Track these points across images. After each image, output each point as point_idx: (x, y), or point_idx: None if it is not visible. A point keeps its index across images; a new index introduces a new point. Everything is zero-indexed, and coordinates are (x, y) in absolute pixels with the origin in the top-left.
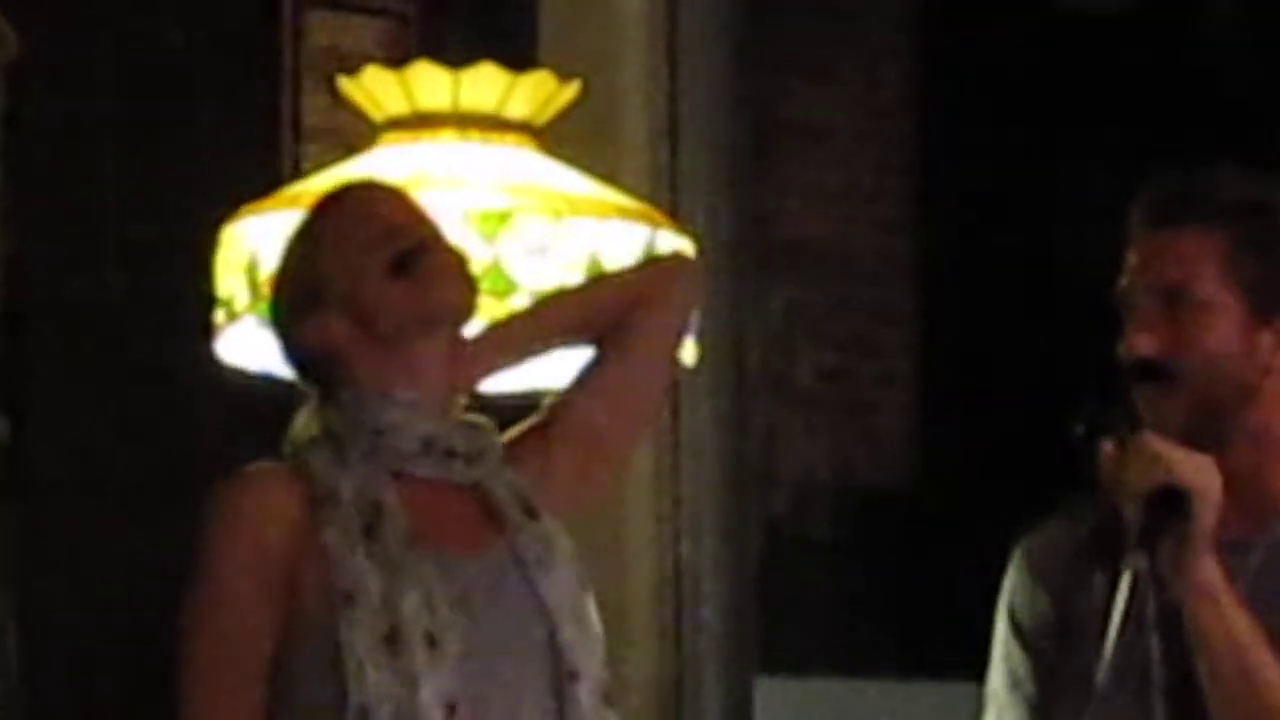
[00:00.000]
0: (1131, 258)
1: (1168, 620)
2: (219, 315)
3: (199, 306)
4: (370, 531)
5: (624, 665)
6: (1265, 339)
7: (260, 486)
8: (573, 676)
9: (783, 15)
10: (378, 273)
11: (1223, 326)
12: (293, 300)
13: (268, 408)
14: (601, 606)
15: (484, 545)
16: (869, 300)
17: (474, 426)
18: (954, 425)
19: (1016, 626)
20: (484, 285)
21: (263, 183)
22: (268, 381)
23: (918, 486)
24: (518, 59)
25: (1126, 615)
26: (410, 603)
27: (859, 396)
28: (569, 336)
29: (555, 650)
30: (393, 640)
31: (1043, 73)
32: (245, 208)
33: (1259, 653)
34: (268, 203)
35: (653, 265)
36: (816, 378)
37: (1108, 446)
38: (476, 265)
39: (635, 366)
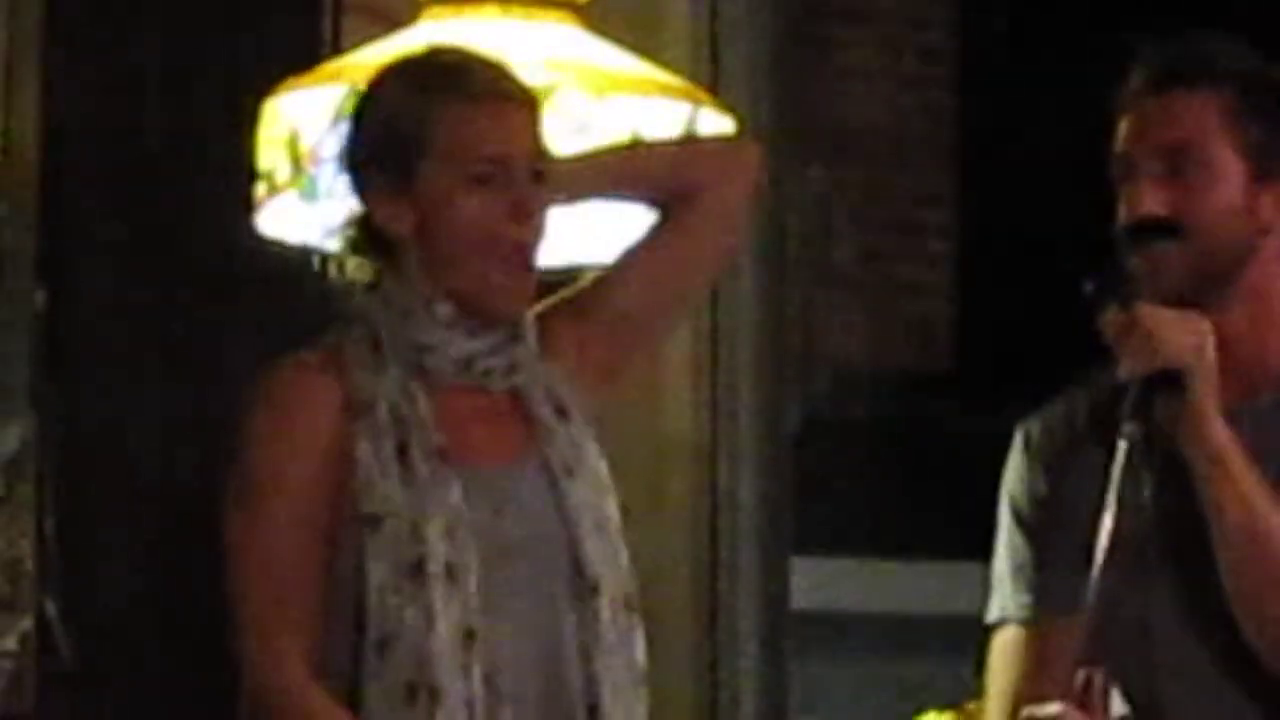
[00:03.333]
0: (1128, 123)
1: (1166, 489)
2: (260, 189)
3: (241, 179)
4: (402, 451)
5: (661, 545)
6: (1265, 201)
7: (303, 382)
8: (594, 591)
9: None
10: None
11: (1225, 186)
12: (378, 151)
13: (305, 280)
14: (638, 489)
15: (515, 453)
16: (910, 183)
17: (512, 333)
18: (993, 307)
19: (1015, 511)
20: None
21: (303, 57)
22: (307, 254)
23: (956, 368)
24: None
25: (1123, 487)
26: (434, 530)
27: (899, 278)
28: (638, 189)
29: (576, 564)
30: (416, 571)
31: None
32: (286, 81)
33: (1272, 517)
34: (308, 77)
35: (721, 144)
36: (856, 259)
37: (1113, 312)
38: None
39: (689, 248)
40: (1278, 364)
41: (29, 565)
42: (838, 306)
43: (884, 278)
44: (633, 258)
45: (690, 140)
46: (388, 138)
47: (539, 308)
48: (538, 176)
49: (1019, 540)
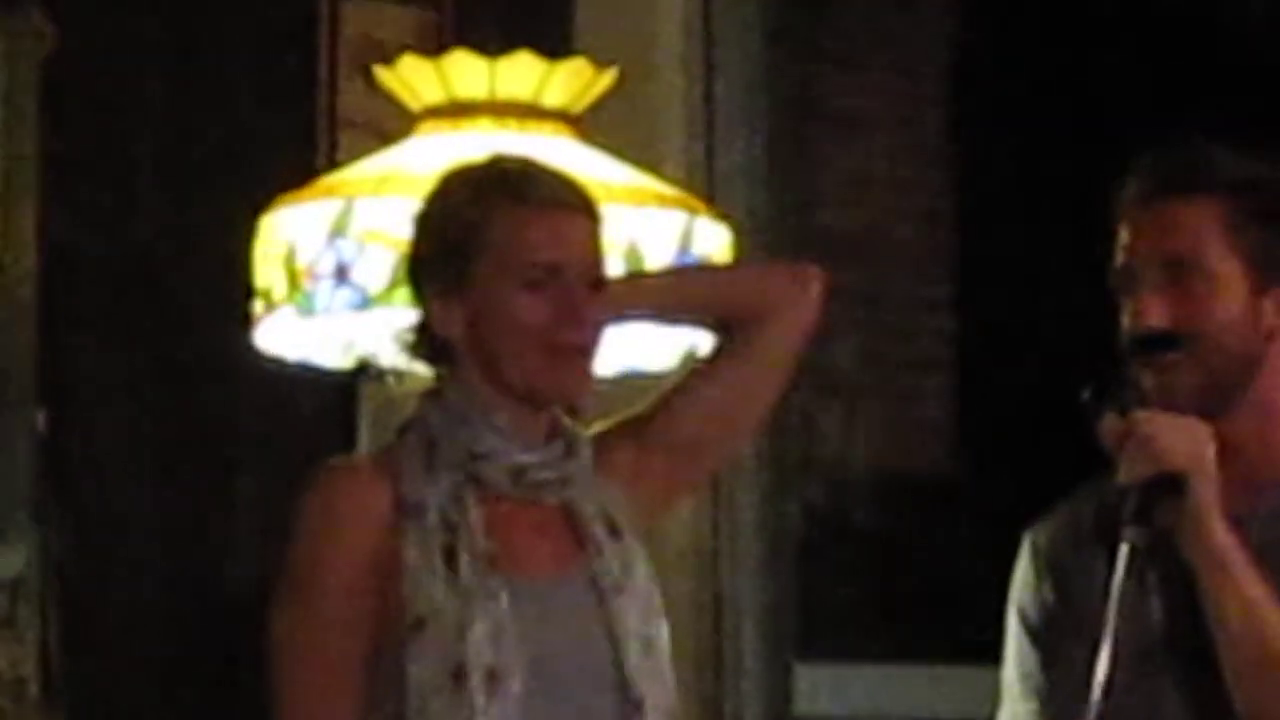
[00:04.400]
0: (1128, 233)
1: (1171, 593)
2: (257, 305)
3: (237, 296)
4: (450, 555)
5: None
6: (1268, 307)
7: (353, 485)
8: (638, 707)
9: (819, 2)
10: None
11: (1229, 296)
12: (434, 252)
13: (304, 396)
14: None
15: (563, 566)
16: (908, 287)
17: (567, 448)
18: (993, 413)
19: (1023, 619)
20: None
21: (299, 173)
22: (305, 370)
23: (956, 473)
24: (554, 47)
25: (1124, 592)
26: (477, 635)
27: (898, 384)
28: (692, 311)
29: (621, 681)
30: (459, 675)
31: (1083, 59)
32: (282, 198)
33: (1276, 622)
34: (304, 193)
35: (788, 269)
36: (855, 364)
37: (1111, 419)
38: None
39: (751, 374)
40: None
41: (33, 686)
42: (837, 412)
43: (883, 383)
44: (694, 384)
45: (751, 264)
46: (444, 240)
47: (598, 428)
48: (594, 285)
49: (1026, 648)
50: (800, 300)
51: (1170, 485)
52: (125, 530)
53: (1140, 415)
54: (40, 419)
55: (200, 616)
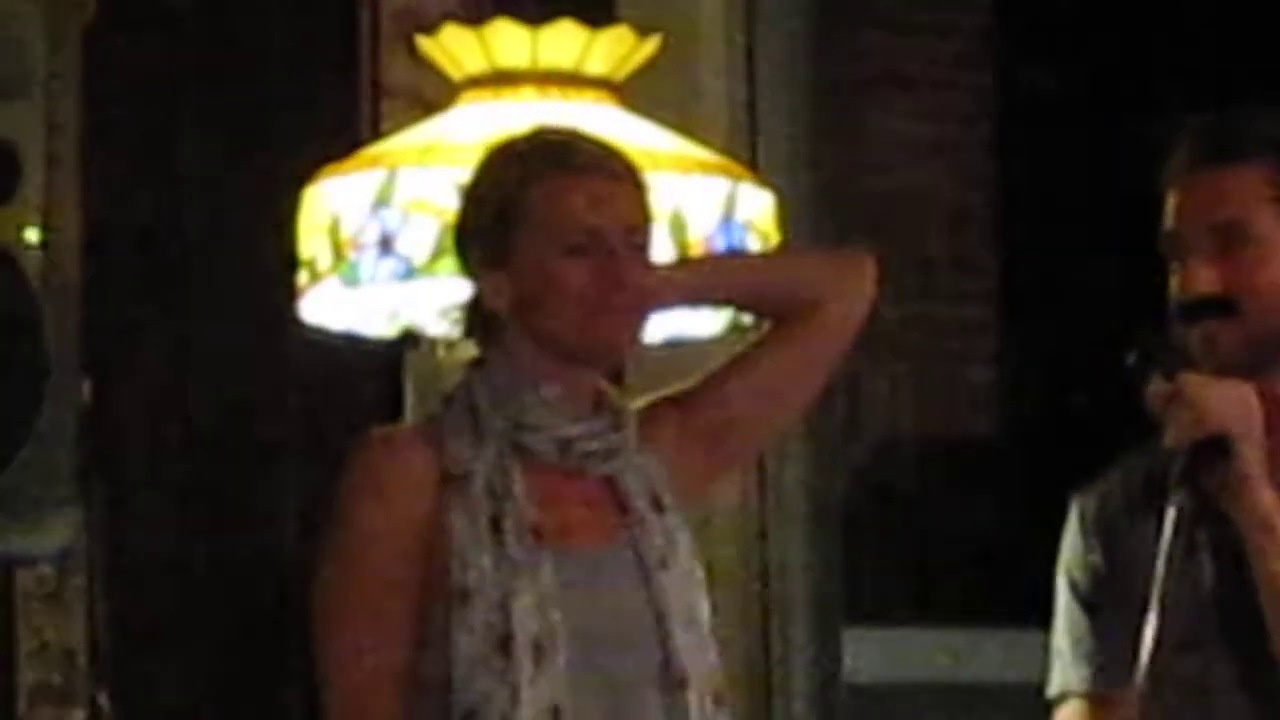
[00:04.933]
0: (1176, 199)
1: (1220, 556)
2: (301, 276)
3: (281, 268)
4: (496, 526)
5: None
6: None
7: (398, 452)
8: (682, 683)
9: None
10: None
11: (1277, 261)
12: (480, 224)
13: (349, 366)
14: None
15: (608, 539)
16: (951, 249)
17: (613, 420)
18: (1038, 374)
19: (1072, 585)
20: None
21: (342, 143)
22: (350, 341)
23: (1002, 437)
24: (596, 15)
25: (1172, 554)
26: (522, 605)
27: (943, 346)
28: (744, 299)
29: (666, 653)
30: (504, 645)
31: (1121, 17)
32: (325, 169)
33: None
34: (348, 163)
35: (840, 258)
36: (900, 328)
37: (1157, 382)
38: None
39: (800, 360)
40: None
41: (81, 657)
42: (883, 377)
43: (928, 346)
44: (743, 365)
45: (804, 252)
46: (488, 210)
47: (643, 402)
48: (638, 249)
49: (1077, 614)
50: (853, 292)
51: (1216, 447)
52: (171, 501)
53: (1186, 378)
54: (85, 390)
55: (246, 587)
